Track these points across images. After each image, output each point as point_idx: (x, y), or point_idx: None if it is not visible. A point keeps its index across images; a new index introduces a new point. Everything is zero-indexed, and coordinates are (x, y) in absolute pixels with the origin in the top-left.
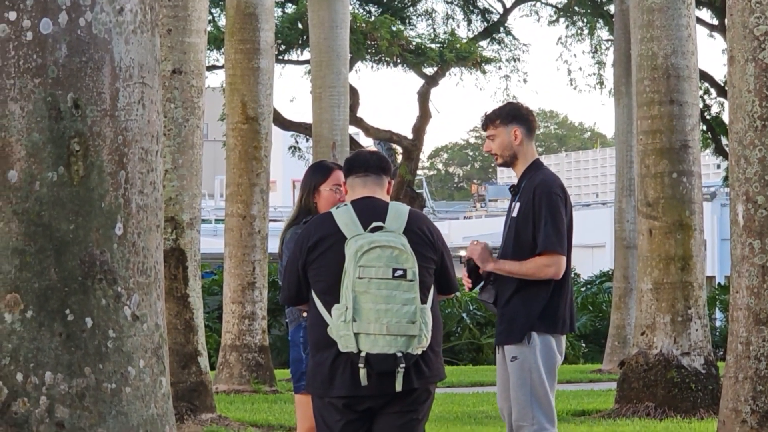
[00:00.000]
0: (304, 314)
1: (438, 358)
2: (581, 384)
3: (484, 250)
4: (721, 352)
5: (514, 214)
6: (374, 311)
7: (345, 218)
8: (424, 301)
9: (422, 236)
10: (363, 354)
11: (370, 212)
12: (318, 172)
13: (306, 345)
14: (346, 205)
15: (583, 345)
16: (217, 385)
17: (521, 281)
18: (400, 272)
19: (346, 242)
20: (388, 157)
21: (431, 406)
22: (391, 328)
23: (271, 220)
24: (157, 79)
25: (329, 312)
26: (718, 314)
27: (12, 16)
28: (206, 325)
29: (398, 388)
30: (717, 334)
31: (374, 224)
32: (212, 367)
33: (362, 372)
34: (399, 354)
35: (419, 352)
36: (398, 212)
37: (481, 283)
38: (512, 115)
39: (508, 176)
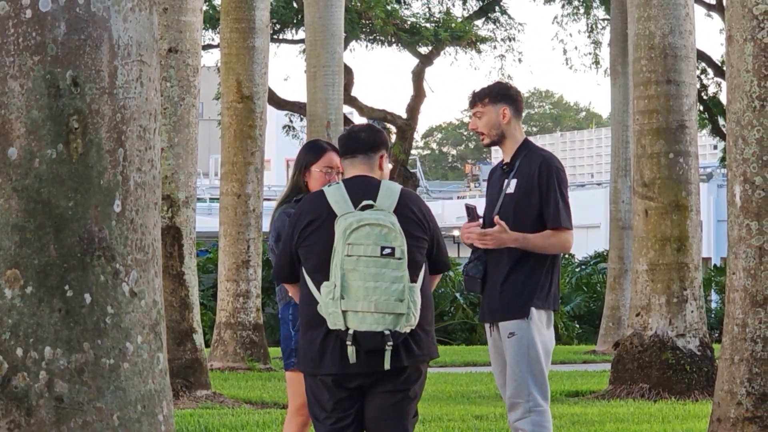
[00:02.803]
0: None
1: (428, 337)
2: (575, 365)
3: (497, 232)
4: (717, 334)
5: (510, 190)
6: (362, 289)
7: (336, 196)
8: (414, 280)
9: (413, 215)
10: (351, 331)
11: (361, 191)
12: (311, 152)
13: (295, 322)
14: (338, 183)
15: (577, 326)
16: (211, 363)
17: (517, 258)
18: (388, 250)
19: (336, 220)
20: (378, 129)
21: (423, 385)
22: (379, 305)
23: (265, 199)
24: (155, 58)
25: (319, 290)
26: (714, 296)
27: None
28: (201, 302)
29: (386, 366)
30: (712, 315)
31: (364, 202)
32: (207, 345)
33: (350, 349)
34: (387, 332)
35: (407, 330)
36: (389, 191)
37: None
38: (501, 94)
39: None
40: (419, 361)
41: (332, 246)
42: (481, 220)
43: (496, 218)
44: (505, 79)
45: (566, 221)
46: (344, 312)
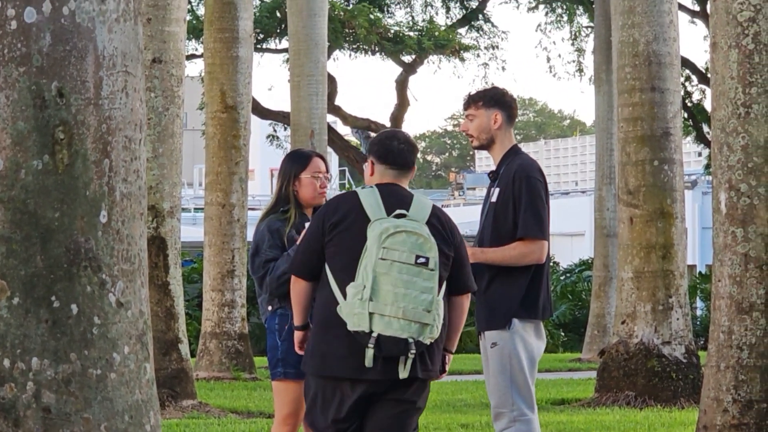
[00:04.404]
0: (269, 307)
1: (439, 355)
2: (560, 373)
3: None
4: (702, 341)
5: (493, 199)
6: (392, 294)
7: (370, 200)
8: (438, 293)
9: (441, 230)
10: (374, 335)
11: (394, 199)
12: (297, 161)
13: (282, 332)
14: (371, 187)
15: (563, 334)
16: (197, 372)
17: (497, 266)
18: (422, 260)
19: (370, 224)
20: (414, 145)
21: (426, 400)
22: (407, 312)
23: (249, 209)
24: (140, 68)
25: (342, 290)
26: (699, 303)
27: None
28: (186, 312)
29: (403, 375)
30: (698, 323)
31: (398, 211)
32: (192, 355)
33: (369, 353)
34: (411, 340)
35: (429, 342)
36: (422, 204)
37: None
38: (495, 99)
39: (486, 164)
40: (430, 376)
41: (360, 248)
42: None
43: None
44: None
45: (532, 231)
46: (371, 314)
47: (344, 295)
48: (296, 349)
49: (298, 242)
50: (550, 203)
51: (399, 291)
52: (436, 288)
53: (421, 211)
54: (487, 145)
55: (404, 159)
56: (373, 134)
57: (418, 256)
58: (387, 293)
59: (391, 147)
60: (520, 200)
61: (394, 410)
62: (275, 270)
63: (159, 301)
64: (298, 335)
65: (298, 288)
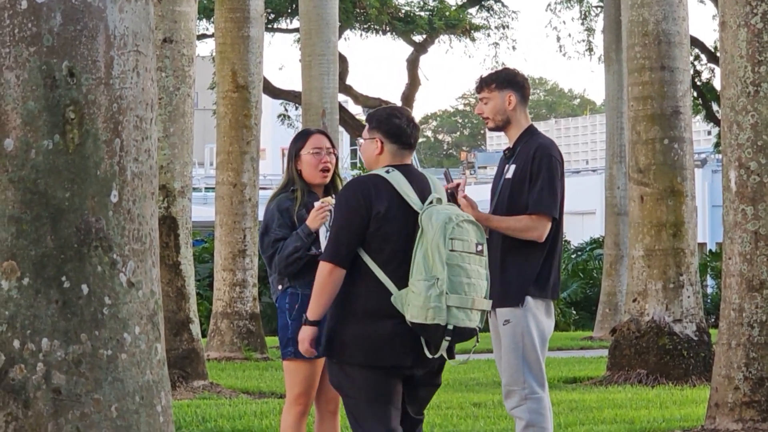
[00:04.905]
0: (279, 286)
1: None
2: (572, 351)
3: (464, 207)
4: (713, 319)
5: (509, 175)
6: (465, 285)
7: (403, 186)
8: None
9: None
10: (450, 327)
11: (418, 182)
12: (298, 140)
13: (292, 311)
14: (394, 170)
15: (574, 312)
16: (208, 353)
17: (511, 243)
18: (479, 247)
19: (424, 213)
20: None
21: None
22: (476, 302)
23: (261, 188)
24: (151, 47)
25: (393, 281)
26: (710, 281)
27: None
28: (197, 292)
29: (455, 360)
30: (708, 300)
31: (434, 195)
32: (203, 335)
33: (444, 344)
34: (477, 328)
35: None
36: (439, 185)
37: None
38: (508, 80)
39: (497, 143)
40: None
41: (409, 237)
42: (455, 182)
43: (462, 194)
44: (499, 66)
45: (543, 208)
46: (449, 307)
47: (397, 286)
48: (306, 346)
49: (313, 229)
50: (565, 184)
51: (470, 281)
52: (488, 274)
53: (442, 193)
54: (503, 126)
55: (415, 138)
56: None
57: (477, 244)
58: (460, 284)
59: (401, 125)
60: (538, 177)
61: (427, 390)
62: (284, 249)
63: (170, 281)
64: (311, 331)
65: (335, 277)
